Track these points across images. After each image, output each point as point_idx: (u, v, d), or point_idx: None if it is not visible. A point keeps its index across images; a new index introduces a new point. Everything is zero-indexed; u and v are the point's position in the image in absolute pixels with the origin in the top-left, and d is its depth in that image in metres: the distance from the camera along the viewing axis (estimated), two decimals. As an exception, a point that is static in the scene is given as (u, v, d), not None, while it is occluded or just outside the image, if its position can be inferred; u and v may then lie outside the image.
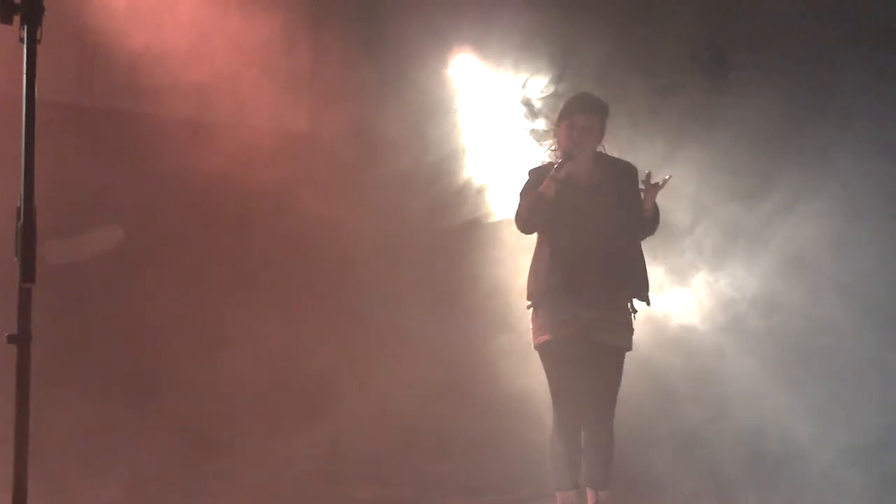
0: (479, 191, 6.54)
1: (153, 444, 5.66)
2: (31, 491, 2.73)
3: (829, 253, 6.29)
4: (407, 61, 6.19)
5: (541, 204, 4.81)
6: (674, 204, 6.12)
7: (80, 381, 5.33)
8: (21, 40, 2.85)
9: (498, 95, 6.51)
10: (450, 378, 6.45)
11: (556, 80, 6.36)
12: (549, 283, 4.84)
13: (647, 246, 5.10)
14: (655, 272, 5.80)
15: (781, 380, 6.19)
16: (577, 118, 4.94)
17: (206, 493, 5.66)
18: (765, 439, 6.15)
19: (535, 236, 5.04)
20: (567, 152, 4.84)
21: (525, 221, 4.90)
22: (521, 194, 4.99)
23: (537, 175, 4.98)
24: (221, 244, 5.88)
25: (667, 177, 4.90)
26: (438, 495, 6.01)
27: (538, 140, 6.34)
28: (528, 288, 4.98)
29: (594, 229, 4.82)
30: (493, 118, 6.53)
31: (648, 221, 4.95)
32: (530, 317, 4.97)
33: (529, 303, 4.96)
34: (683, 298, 6.31)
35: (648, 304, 4.98)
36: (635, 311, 4.94)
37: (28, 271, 2.84)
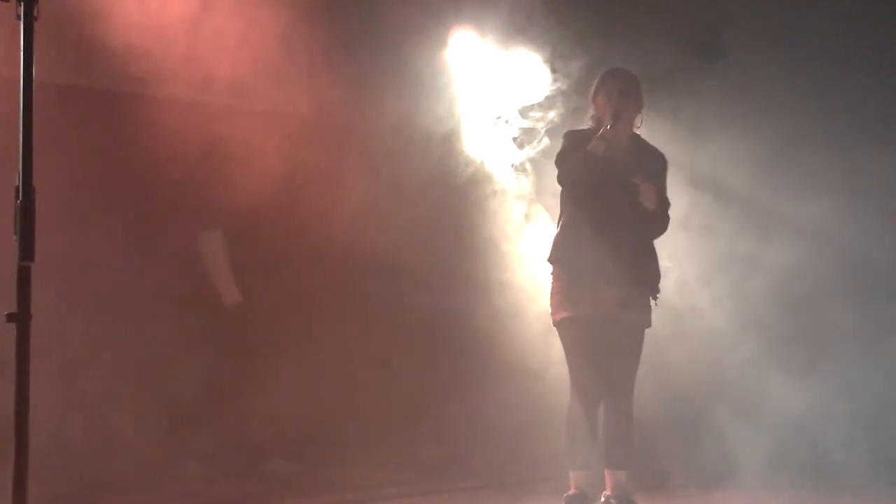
0: (481, 169, 6.53)
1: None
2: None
3: (837, 240, 6.27)
4: (406, 41, 6.18)
5: (590, 162, 4.71)
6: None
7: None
8: (18, 17, 2.86)
9: (497, 76, 6.49)
10: (453, 360, 6.46)
11: (553, 63, 6.33)
12: (572, 256, 4.79)
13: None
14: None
15: (787, 363, 6.16)
16: (612, 83, 4.87)
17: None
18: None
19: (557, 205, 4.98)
20: (615, 113, 4.74)
21: (574, 179, 4.77)
22: (560, 157, 4.90)
23: (576, 138, 4.89)
24: (222, 229, 5.87)
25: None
26: (439, 478, 6.00)
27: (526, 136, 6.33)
28: (551, 253, 4.89)
29: (625, 210, 4.75)
30: (492, 98, 6.52)
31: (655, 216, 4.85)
32: (550, 290, 4.89)
33: (550, 269, 4.89)
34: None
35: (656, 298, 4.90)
36: (657, 295, 4.89)
37: (26, 250, 2.84)
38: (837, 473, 5.77)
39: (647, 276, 4.85)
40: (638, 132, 4.97)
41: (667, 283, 6.10)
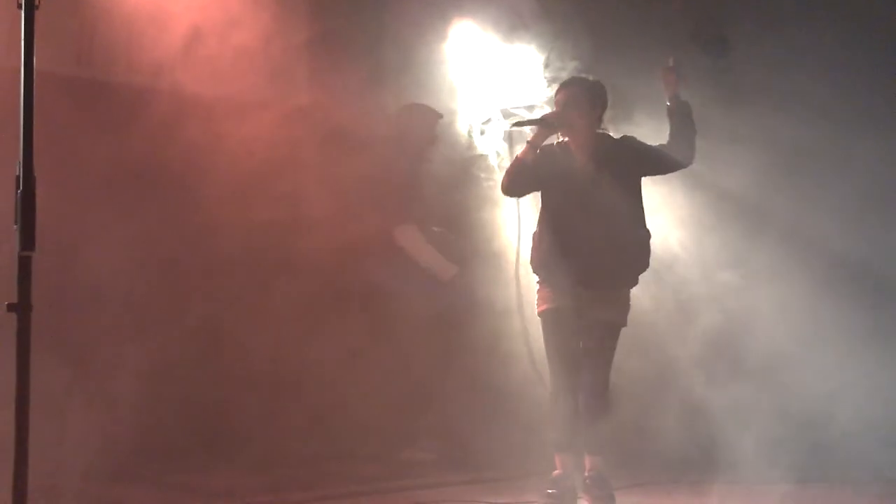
0: (482, 164, 6.53)
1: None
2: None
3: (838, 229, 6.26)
4: (407, 31, 6.19)
5: (518, 168, 4.99)
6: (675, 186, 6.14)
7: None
8: (19, 6, 2.86)
9: (496, 70, 6.50)
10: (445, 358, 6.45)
11: (552, 59, 6.32)
12: (548, 262, 5.04)
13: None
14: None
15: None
16: (557, 94, 5.13)
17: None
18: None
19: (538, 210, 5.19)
20: (548, 122, 5.03)
21: (506, 186, 5.09)
22: None
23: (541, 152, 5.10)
24: (218, 220, 5.86)
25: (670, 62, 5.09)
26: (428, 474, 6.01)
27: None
28: (530, 261, 5.18)
29: (594, 212, 4.95)
30: (493, 92, 6.52)
31: (679, 119, 5.02)
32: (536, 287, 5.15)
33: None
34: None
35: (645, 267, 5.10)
36: (635, 284, 5.11)
37: (27, 239, 2.84)
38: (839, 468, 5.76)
39: (622, 277, 5.06)
40: (608, 133, 5.16)
41: (671, 279, 6.19)
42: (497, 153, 6.37)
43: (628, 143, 5.12)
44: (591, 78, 5.26)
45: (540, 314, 5.09)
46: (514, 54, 6.46)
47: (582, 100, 5.04)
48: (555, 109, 5.09)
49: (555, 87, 5.42)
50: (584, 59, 6.02)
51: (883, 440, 5.89)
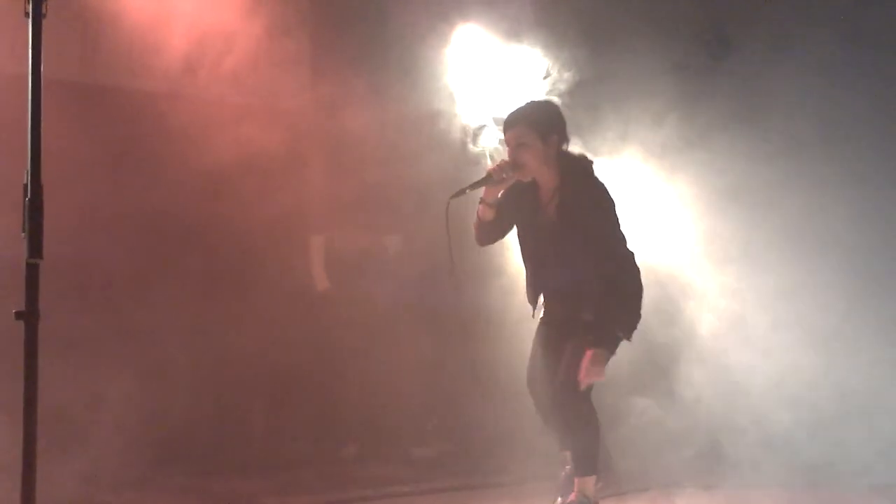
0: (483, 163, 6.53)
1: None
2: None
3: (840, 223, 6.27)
4: (410, 35, 6.19)
5: (479, 225, 4.67)
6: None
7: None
8: (27, 14, 2.86)
9: (500, 72, 6.49)
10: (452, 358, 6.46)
11: (555, 59, 6.32)
12: (527, 294, 4.80)
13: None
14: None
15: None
16: (504, 134, 4.63)
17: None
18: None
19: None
20: (494, 179, 4.53)
21: (476, 240, 4.77)
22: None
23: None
24: (222, 221, 5.88)
25: None
26: (432, 477, 6.02)
27: None
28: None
29: (553, 254, 4.58)
30: (496, 93, 6.52)
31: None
32: None
33: None
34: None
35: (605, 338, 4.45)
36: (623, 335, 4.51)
37: (35, 247, 2.84)
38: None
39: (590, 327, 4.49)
40: (578, 158, 4.62)
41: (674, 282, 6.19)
42: (492, 157, 6.36)
43: (586, 202, 4.48)
44: (538, 100, 4.84)
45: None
46: (511, 60, 6.45)
47: (530, 136, 4.47)
48: (508, 152, 4.54)
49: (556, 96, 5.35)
50: (583, 66, 6.03)
51: (886, 445, 5.89)
